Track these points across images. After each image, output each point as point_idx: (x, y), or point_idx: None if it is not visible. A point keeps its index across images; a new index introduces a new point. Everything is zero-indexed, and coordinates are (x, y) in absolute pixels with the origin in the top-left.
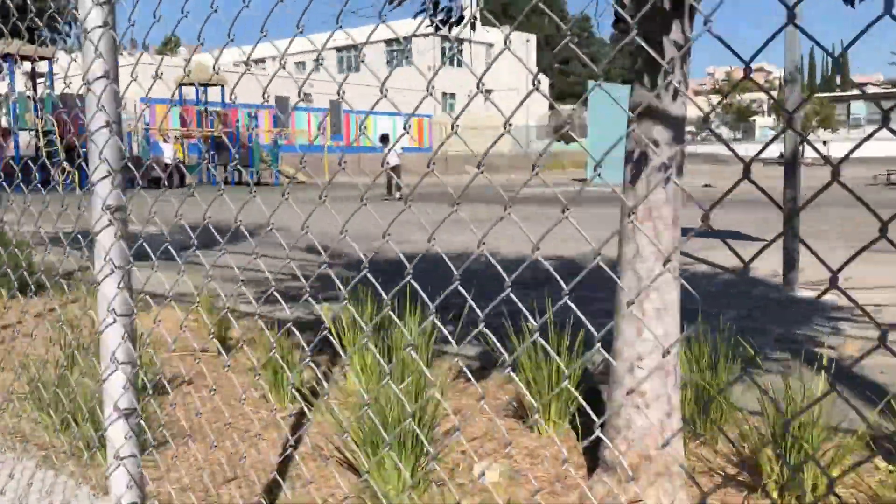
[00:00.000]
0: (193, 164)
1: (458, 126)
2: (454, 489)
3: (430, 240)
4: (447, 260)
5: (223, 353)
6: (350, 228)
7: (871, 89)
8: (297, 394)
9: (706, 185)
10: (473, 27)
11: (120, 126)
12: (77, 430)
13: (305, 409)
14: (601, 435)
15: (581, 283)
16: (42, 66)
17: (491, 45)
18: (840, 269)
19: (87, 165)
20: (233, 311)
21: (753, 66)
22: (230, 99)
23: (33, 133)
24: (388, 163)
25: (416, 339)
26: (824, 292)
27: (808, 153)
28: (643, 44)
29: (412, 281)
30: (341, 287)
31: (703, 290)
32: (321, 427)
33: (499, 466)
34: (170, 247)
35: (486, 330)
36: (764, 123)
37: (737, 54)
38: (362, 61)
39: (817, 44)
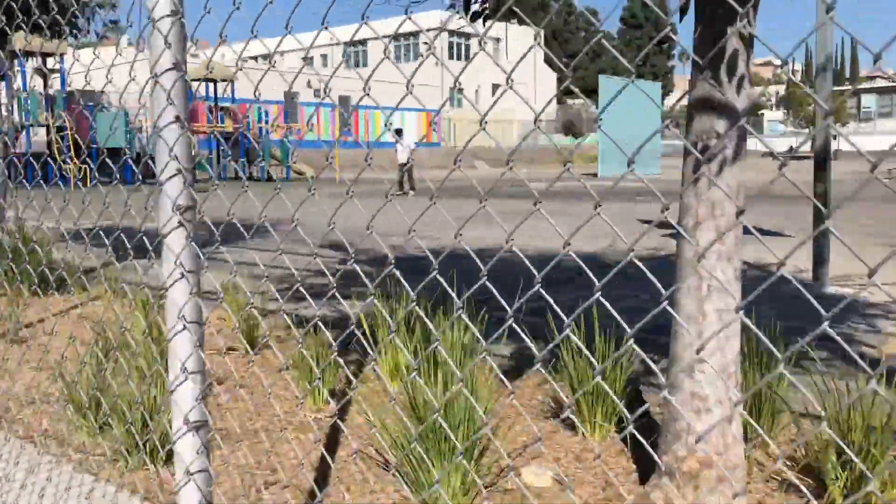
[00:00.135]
0: (204, 159)
1: (486, 122)
2: (503, 495)
3: (456, 235)
4: (474, 256)
5: (250, 351)
6: (364, 224)
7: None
8: (328, 394)
9: None
10: (485, 21)
11: (189, 121)
12: (121, 435)
13: (338, 411)
14: (635, 431)
15: (607, 280)
16: (51, 63)
17: (498, 40)
18: (879, 266)
19: (91, 161)
20: (260, 310)
21: (761, 60)
22: (255, 95)
23: (44, 129)
24: (409, 158)
25: (452, 337)
26: (861, 288)
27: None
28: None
29: (439, 277)
30: (368, 283)
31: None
32: (359, 429)
33: (547, 471)
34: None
35: (516, 326)
36: (772, 117)
37: (773, 51)
38: (389, 57)
39: (857, 39)
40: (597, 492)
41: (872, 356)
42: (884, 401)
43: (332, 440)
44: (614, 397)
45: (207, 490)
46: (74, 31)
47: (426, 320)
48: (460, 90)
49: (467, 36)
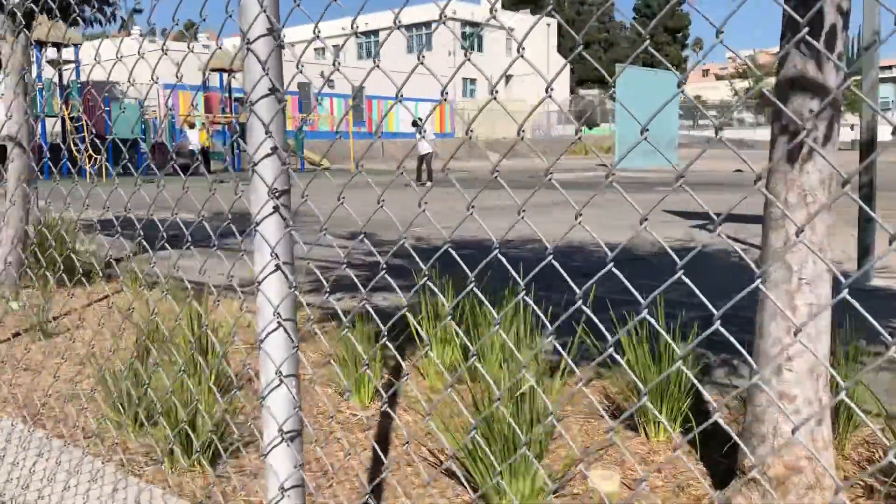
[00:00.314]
0: (218, 150)
1: (523, 120)
2: (571, 500)
3: (524, 216)
4: (540, 242)
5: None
6: (385, 215)
7: None
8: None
9: (737, 171)
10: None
11: (284, 94)
12: (171, 433)
13: (384, 408)
14: (726, 424)
15: (634, 272)
16: (65, 54)
17: (512, 30)
18: None
19: (106, 152)
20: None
21: (774, 49)
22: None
23: (59, 119)
24: (429, 150)
25: (503, 329)
26: None
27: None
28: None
29: (501, 256)
30: (422, 265)
31: None
32: (406, 427)
33: (614, 473)
34: (211, 233)
35: (586, 312)
36: None
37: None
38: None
39: None
40: (670, 496)
41: None
42: None
43: (383, 439)
44: (702, 390)
45: None
46: (96, 17)
47: (485, 303)
48: (472, 80)
49: (479, 25)
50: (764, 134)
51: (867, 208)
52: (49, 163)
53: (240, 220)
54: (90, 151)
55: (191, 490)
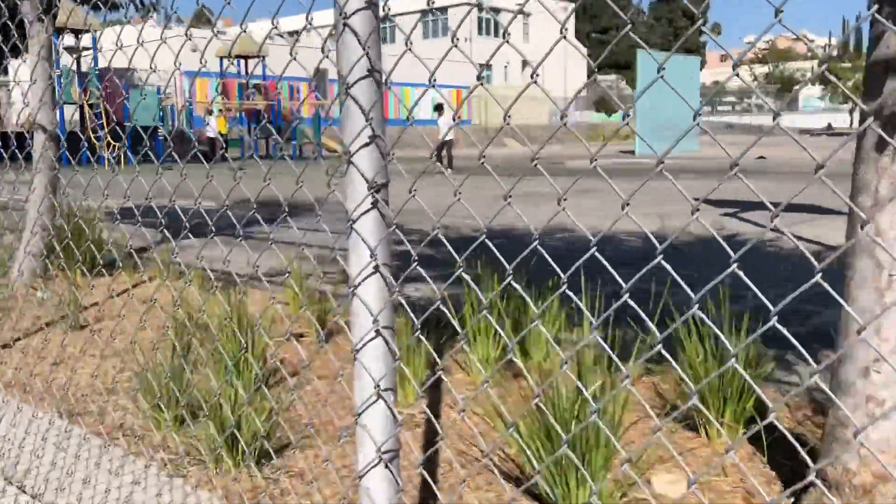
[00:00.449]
0: (236, 137)
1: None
2: None
3: (565, 206)
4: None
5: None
6: (414, 203)
7: None
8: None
9: (760, 158)
10: None
11: (382, 76)
12: (216, 434)
13: (427, 406)
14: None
15: (669, 263)
16: (80, 41)
17: (528, 14)
18: None
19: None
20: (318, 292)
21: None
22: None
23: (77, 107)
24: (451, 137)
25: (545, 321)
26: None
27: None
28: None
29: (540, 248)
30: (456, 256)
31: (809, 272)
32: (454, 425)
33: (681, 478)
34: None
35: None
36: (809, 93)
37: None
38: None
39: None
40: (739, 503)
41: None
42: None
43: (430, 439)
44: (756, 389)
45: None
46: (122, 2)
47: (526, 298)
48: (489, 66)
49: (496, 10)
50: (784, 121)
51: None
52: (66, 152)
53: (264, 209)
54: (109, 139)
55: (237, 492)
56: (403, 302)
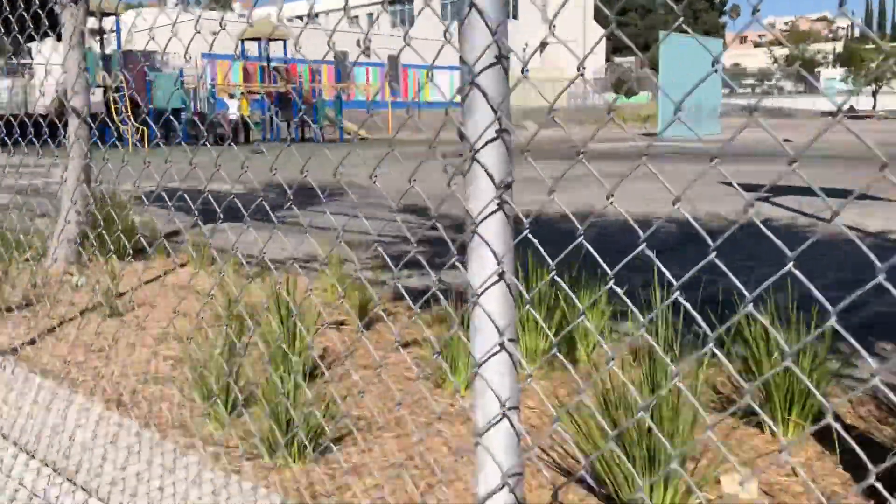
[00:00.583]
0: (257, 120)
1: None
2: None
3: (609, 197)
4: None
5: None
6: (427, 187)
7: None
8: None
9: (786, 140)
10: None
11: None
12: (275, 427)
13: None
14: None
15: (703, 252)
16: (104, 25)
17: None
18: None
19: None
20: (355, 279)
21: (815, 16)
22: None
23: (102, 90)
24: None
25: (591, 316)
26: None
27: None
28: None
29: (585, 243)
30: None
31: (853, 260)
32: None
33: (752, 479)
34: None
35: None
36: (830, 75)
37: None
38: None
39: None
40: None
41: None
42: None
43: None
44: (813, 390)
45: None
46: None
47: (567, 291)
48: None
49: None
50: (805, 103)
51: None
52: (95, 134)
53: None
54: (133, 121)
55: (293, 488)
56: (439, 294)
